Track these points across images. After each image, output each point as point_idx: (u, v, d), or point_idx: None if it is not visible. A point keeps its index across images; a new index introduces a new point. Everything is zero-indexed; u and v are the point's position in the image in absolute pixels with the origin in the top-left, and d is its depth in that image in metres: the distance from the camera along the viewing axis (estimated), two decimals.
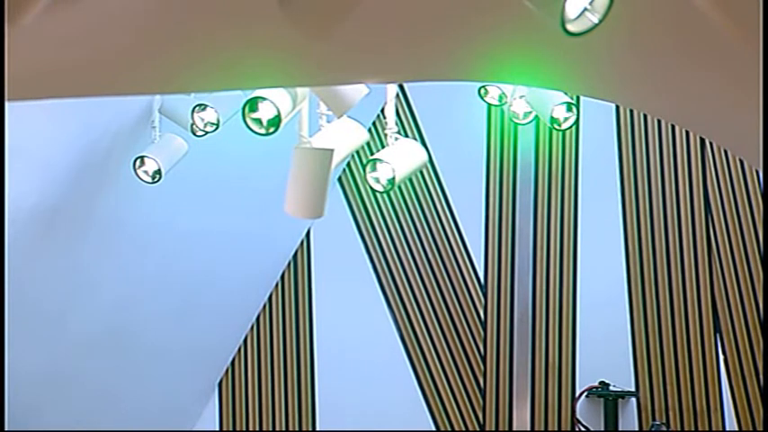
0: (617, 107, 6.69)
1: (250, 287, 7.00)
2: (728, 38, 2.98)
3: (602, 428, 6.71)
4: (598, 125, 6.70)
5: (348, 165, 6.97)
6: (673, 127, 6.68)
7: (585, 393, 6.77)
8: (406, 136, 6.09)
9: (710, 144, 6.61)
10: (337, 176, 6.98)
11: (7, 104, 2.72)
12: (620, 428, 6.68)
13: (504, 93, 4.76)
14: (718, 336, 6.67)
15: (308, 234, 7.09)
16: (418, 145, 4.78)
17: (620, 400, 6.70)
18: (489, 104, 4.87)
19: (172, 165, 5.42)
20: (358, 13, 2.81)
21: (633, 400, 6.73)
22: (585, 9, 2.80)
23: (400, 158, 4.55)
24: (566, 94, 4.64)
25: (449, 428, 6.98)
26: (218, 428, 7.17)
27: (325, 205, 4.21)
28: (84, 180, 5.42)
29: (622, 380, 6.74)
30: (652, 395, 6.73)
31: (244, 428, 7.15)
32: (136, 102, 5.42)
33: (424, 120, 6.94)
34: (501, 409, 6.89)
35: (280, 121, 4.02)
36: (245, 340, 7.13)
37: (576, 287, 6.81)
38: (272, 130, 4.05)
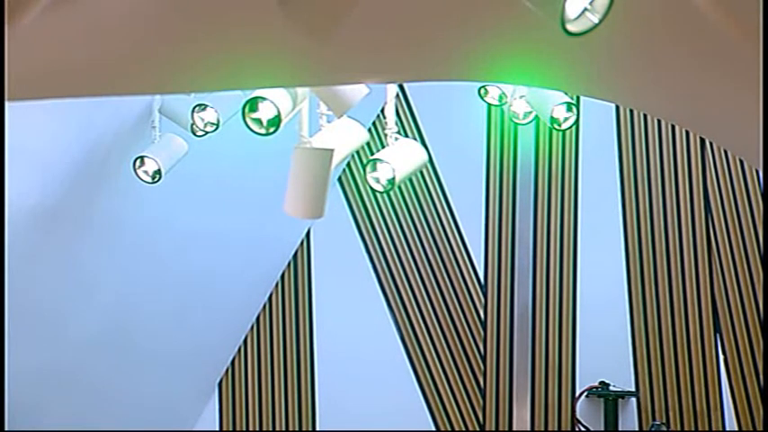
0: (617, 107, 6.69)
1: (250, 287, 7.00)
2: (729, 38, 2.98)
3: (602, 428, 6.71)
4: (598, 125, 6.70)
5: (348, 165, 6.97)
6: (673, 127, 6.68)
7: (585, 393, 6.77)
8: (406, 136, 6.08)
9: (710, 144, 6.61)
10: (337, 176, 6.97)
11: (7, 104, 2.72)
12: (620, 428, 6.68)
13: (504, 93, 4.77)
14: (718, 336, 6.67)
15: (307, 234, 7.09)
16: (418, 145, 4.78)
17: (620, 400, 6.70)
18: (489, 104, 4.88)
19: (172, 165, 5.42)
20: (358, 13, 2.81)
21: (633, 400, 6.73)
22: (585, 9, 2.80)
23: (400, 158, 4.55)
24: (566, 94, 4.64)
25: (449, 428, 6.98)
26: (218, 428, 7.16)
27: (325, 205, 4.21)
28: (84, 180, 5.42)
29: (622, 380, 6.74)
30: (652, 395, 6.73)
31: (244, 428, 7.14)
32: (136, 102, 5.42)
33: (424, 120, 6.94)
34: (501, 409, 6.89)
35: (280, 121, 4.02)
36: (245, 340, 7.13)
37: (575, 287, 6.81)
38: (272, 130, 4.05)
